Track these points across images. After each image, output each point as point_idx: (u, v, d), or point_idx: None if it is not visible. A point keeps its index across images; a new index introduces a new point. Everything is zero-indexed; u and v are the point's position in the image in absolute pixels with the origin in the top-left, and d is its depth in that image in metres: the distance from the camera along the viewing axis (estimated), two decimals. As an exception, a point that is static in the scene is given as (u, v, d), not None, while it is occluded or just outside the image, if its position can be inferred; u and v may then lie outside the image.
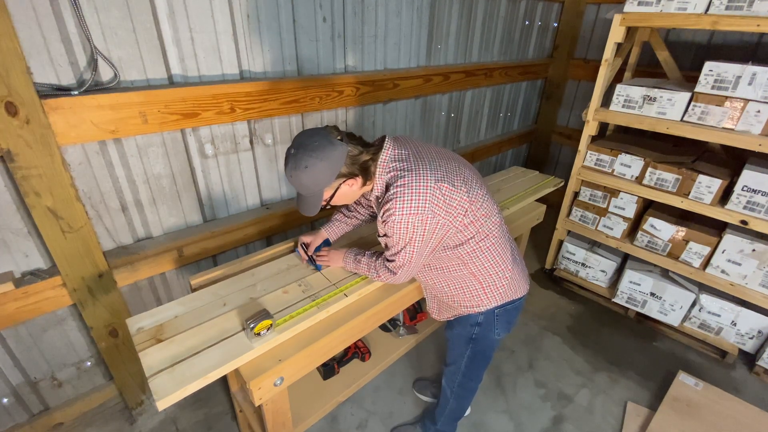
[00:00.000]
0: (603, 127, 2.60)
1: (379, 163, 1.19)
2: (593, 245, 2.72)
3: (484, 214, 1.22)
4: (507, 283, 1.31)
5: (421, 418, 1.88)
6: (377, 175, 1.19)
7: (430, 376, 2.14)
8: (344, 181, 1.17)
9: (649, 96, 2.14)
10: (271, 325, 1.15)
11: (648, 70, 2.91)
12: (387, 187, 1.17)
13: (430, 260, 1.29)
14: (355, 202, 1.54)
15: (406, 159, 1.18)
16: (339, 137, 1.14)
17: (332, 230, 1.57)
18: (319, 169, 1.09)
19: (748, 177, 1.94)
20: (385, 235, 1.22)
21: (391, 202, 1.12)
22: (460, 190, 1.15)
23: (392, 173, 1.16)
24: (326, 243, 1.57)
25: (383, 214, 1.15)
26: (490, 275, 1.29)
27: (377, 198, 1.22)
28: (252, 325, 1.11)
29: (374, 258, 1.36)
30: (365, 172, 1.18)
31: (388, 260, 1.28)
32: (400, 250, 1.20)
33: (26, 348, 1.55)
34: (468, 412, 1.92)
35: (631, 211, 2.42)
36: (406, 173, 1.13)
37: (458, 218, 1.17)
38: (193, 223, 1.85)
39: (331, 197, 1.20)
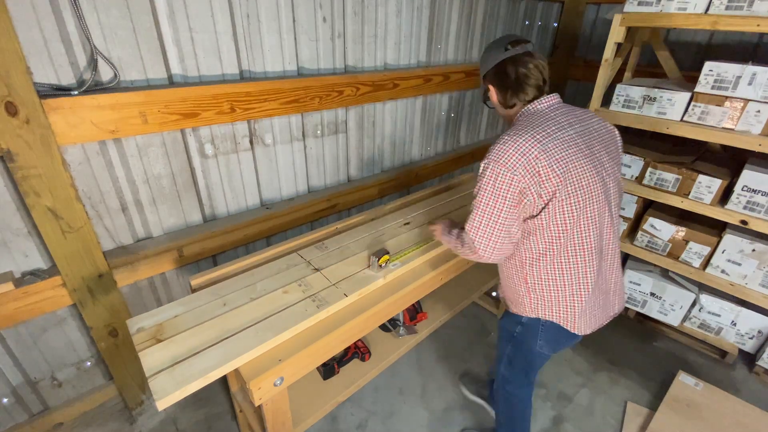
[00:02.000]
0: (603, 127, 2.60)
1: (522, 109, 1.22)
2: (593, 245, 2.72)
3: (574, 217, 1.12)
4: (564, 309, 1.22)
5: None
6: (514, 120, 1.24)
7: (481, 374, 2.01)
8: (488, 86, 1.28)
9: (649, 96, 2.14)
10: (388, 259, 1.44)
11: (648, 70, 2.91)
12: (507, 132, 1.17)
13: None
14: None
15: (532, 123, 1.15)
16: (511, 54, 1.19)
17: None
18: (483, 57, 1.29)
19: (748, 177, 1.94)
20: None
21: (492, 146, 1.14)
22: (554, 173, 1.07)
23: (520, 121, 1.19)
24: None
25: None
26: (548, 289, 1.21)
27: None
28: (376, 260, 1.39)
29: (459, 230, 1.31)
30: (500, 93, 1.24)
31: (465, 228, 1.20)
32: (475, 206, 1.15)
33: (26, 348, 1.55)
34: None
35: (630, 211, 2.42)
36: (522, 129, 1.12)
37: (536, 188, 1.08)
38: (193, 223, 1.85)
39: (486, 91, 1.30)
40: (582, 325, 1.26)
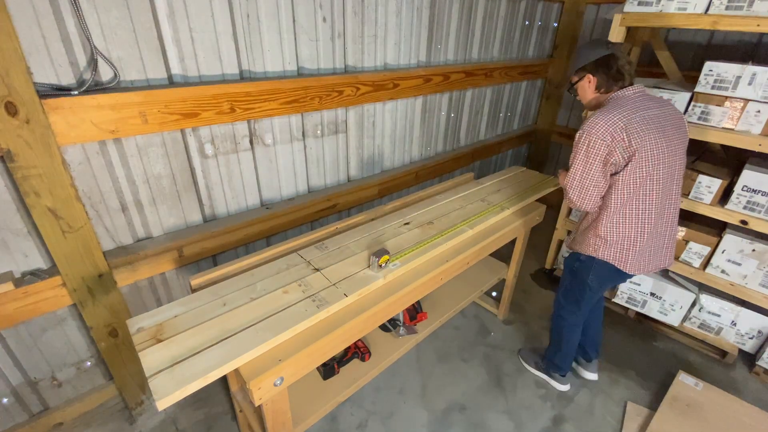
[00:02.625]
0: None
1: (612, 95, 1.54)
2: (593, 245, 2.72)
3: (642, 176, 1.44)
4: (620, 252, 1.55)
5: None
6: (605, 101, 1.56)
7: (537, 347, 2.34)
8: (585, 76, 1.57)
9: (649, 96, 2.14)
10: (388, 259, 1.46)
11: (648, 70, 2.91)
12: (598, 110, 1.50)
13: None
14: None
15: (620, 104, 1.47)
16: (612, 51, 1.51)
17: None
18: (582, 52, 1.57)
19: (748, 177, 1.94)
20: None
21: (586, 121, 1.46)
22: (634, 140, 1.39)
23: (610, 103, 1.50)
24: None
25: None
26: (611, 233, 1.53)
27: None
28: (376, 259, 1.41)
29: None
30: (603, 79, 1.54)
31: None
32: (571, 165, 1.52)
33: (26, 348, 1.55)
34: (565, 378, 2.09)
35: (631, 211, 2.42)
36: (610, 109, 1.44)
37: (621, 151, 1.41)
38: (193, 223, 1.85)
39: (576, 82, 1.62)
40: (632, 267, 1.57)
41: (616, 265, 1.58)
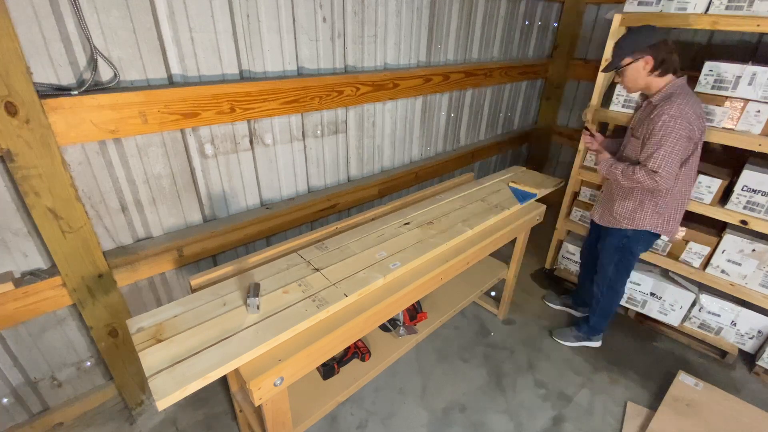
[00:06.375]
0: (603, 126, 2.60)
1: (672, 81, 1.71)
2: (593, 245, 2.72)
3: (695, 160, 1.75)
4: (666, 220, 1.84)
5: (574, 324, 2.40)
6: (666, 87, 1.71)
7: (562, 293, 2.74)
8: (642, 57, 1.68)
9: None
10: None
11: (648, 70, 2.90)
12: (669, 96, 1.68)
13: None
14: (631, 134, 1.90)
15: (688, 94, 1.69)
16: (665, 37, 1.68)
17: (609, 143, 2.13)
18: (642, 33, 1.69)
19: (748, 177, 1.94)
20: (643, 139, 1.74)
21: (668, 106, 1.63)
22: (698, 128, 1.67)
23: (679, 91, 1.68)
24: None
25: (654, 113, 1.67)
26: (669, 207, 1.80)
27: (654, 102, 1.72)
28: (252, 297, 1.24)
29: (629, 166, 1.77)
30: (659, 65, 1.68)
31: (644, 164, 1.70)
32: (658, 148, 1.64)
33: (26, 348, 1.55)
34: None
35: (631, 211, 2.42)
36: (685, 98, 1.66)
37: (698, 136, 1.68)
38: (193, 223, 1.85)
39: (629, 63, 1.71)
40: (672, 231, 1.89)
41: (658, 231, 1.87)
